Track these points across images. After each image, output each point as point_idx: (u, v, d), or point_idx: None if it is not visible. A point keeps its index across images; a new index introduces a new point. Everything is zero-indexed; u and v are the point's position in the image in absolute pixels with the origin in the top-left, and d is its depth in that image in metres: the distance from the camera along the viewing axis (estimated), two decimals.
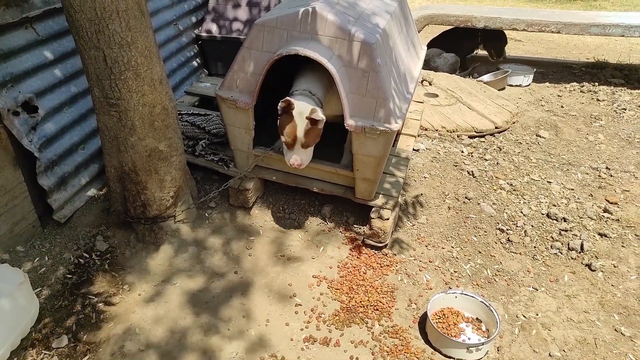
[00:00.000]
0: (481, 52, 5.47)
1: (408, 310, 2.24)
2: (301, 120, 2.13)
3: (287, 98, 2.14)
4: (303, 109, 2.14)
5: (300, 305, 2.20)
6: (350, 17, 2.21)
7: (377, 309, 2.22)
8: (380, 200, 2.51)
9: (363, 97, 2.16)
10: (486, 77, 4.88)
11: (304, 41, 2.14)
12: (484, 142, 3.58)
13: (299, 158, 2.23)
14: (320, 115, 2.12)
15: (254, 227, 2.58)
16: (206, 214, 2.59)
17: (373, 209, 2.51)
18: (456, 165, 3.19)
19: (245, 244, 2.47)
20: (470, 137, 3.61)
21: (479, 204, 2.84)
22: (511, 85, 4.84)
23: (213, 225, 2.53)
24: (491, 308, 2.10)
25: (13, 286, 1.80)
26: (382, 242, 2.50)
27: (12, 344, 1.83)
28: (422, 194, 2.89)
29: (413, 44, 2.90)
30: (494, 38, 5.17)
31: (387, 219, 2.46)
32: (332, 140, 2.59)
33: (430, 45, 5.18)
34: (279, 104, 2.13)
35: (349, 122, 2.17)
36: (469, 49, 5.43)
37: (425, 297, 2.31)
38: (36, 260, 2.25)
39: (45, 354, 1.88)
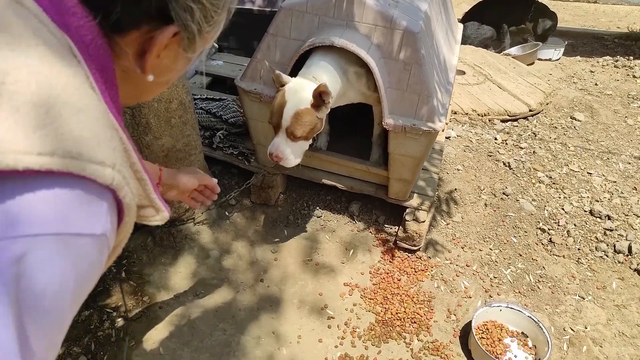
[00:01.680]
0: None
1: (447, 323, 2.09)
2: (293, 98, 1.68)
3: (279, 72, 1.76)
4: (299, 88, 1.70)
5: (333, 318, 2.05)
6: None
7: (415, 322, 2.07)
8: (415, 201, 2.32)
9: (404, 92, 1.93)
10: (514, 51, 4.58)
11: (338, 29, 1.89)
12: (517, 126, 3.34)
13: (280, 149, 1.72)
14: (329, 95, 1.65)
15: (278, 228, 2.41)
16: (227, 213, 2.41)
17: (407, 211, 2.32)
18: (491, 155, 2.97)
19: (270, 247, 2.30)
20: (503, 121, 3.37)
21: (517, 200, 2.65)
22: (540, 60, 4.55)
23: (235, 227, 2.36)
24: (540, 324, 1.95)
25: None
26: (416, 246, 2.32)
27: None
28: (456, 189, 2.69)
29: (450, 24, 2.63)
30: (549, 15, 4.67)
31: (423, 222, 2.27)
32: (352, 128, 2.38)
33: (469, 14, 4.79)
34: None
35: (388, 121, 1.94)
36: (516, 19, 4.87)
37: (464, 307, 2.15)
38: None
39: None
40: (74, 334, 1.87)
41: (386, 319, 2.07)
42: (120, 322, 1.93)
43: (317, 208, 2.50)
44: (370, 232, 2.43)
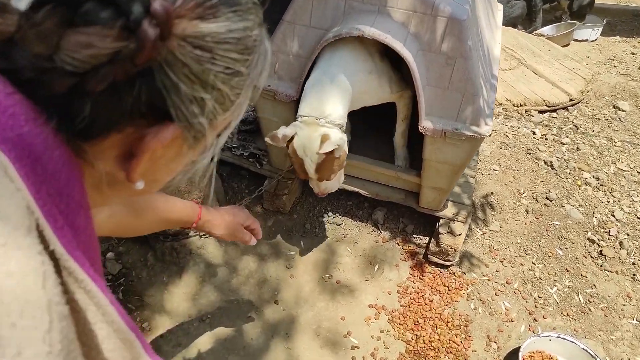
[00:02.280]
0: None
1: (487, 352, 1.84)
2: (307, 154, 1.57)
3: (275, 133, 1.57)
4: (307, 143, 1.55)
5: (358, 347, 1.80)
6: None
7: (451, 352, 1.82)
8: (450, 211, 2.04)
9: (444, 91, 1.63)
10: (547, 30, 4.19)
11: (368, 15, 1.58)
12: (556, 118, 3.02)
13: (321, 188, 1.71)
14: (333, 144, 1.50)
15: (294, 238, 2.15)
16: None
17: (441, 222, 2.04)
18: (530, 153, 2.67)
19: (285, 262, 2.05)
20: (541, 112, 3.05)
21: (563, 206, 2.35)
22: (576, 40, 4.17)
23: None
24: (598, 358, 1.69)
25: None
26: (450, 261, 2.05)
27: None
28: (492, 193, 2.40)
29: (490, 3, 2.29)
30: None
31: (459, 235, 2.00)
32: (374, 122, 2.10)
33: None
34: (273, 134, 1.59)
35: (425, 124, 1.65)
36: None
37: (506, 333, 1.90)
38: None
39: None
40: None
41: (418, 348, 1.82)
42: None
43: (337, 215, 2.23)
44: (397, 243, 2.16)
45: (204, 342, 1.75)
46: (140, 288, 1.90)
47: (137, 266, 1.97)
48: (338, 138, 1.52)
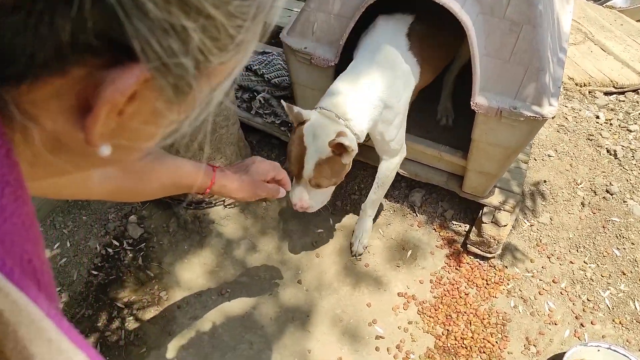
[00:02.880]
0: None
1: (525, 356, 1.68)
2: (314, 144, 1.35)
3: (292, 105, 1.39)
4: (320, 131, 1.35)
5: (383, 337, 1.67)
6: None
7: (484, 352, 1.67)
8: (496, 198, 1.84)
9: (505, 63, 1.42)
10: (620, 2, 3.78)
11: None
12: (624, 101, 2.71)
13: (304, 199, 1.44)
14: (350, 141, 1.30)
15: (322, 215, 2.01)
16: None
17: (485, 210, 1.85)
18: (591, 139, 2.40)
19: (311, 240, 1.92)
20: (607, 93, 2.74)
21: (625, 201, 2.11)
22: None
23: (271, 212, 1.98)
24: None
25: None
26: (492, 253, 1.88)
27: None
28: (545, 181, 2.18)
29: None
30: None
31: (505, 226, 1.81)
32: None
33: None
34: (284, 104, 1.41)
35: (479, 100, 1.45)
36: None
37: (547, 337, 1.72)
38: (56, 246, 1.82)
39: None
40: (80, 330, 1.60)
41: (448, 344, 1.68)
42: (131, 322, 1.64)
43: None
44: (434, 228, 1.99)
45: (221, 316, 1.67)
46: (160, 255, 1.83)
47: (159, 232, 1.89)
48: (354, 143, 1.35)
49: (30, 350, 0.28)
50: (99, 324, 1.62)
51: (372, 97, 1.41)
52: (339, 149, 1.34)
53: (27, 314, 0.28)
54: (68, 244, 1.83)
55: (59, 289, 1.69)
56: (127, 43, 0.27)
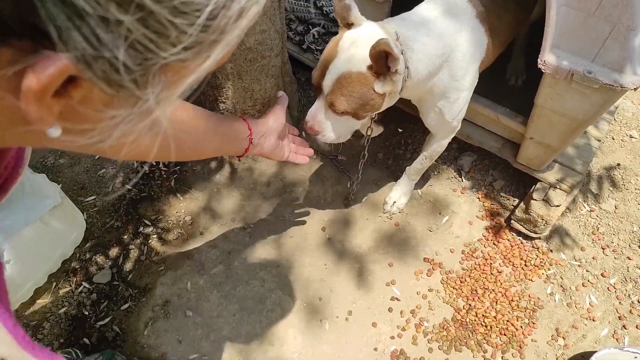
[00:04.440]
0: None
1: (550, 347, 1.55)
2: (347, 52, 1.09)
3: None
4: (363, 39, 1.08)
5: (398, 300, 1.60)
6: None
7: (505, 334, 1.56)
8: (553, 174, 1.65)
9: (587, 17, 1.19)
10: None
11: None
12: None
13: (317, 120, 1.19)
14: (399, 59, 1.03)
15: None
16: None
17: (538, 186, 1.67)
18: None
19: (344, 189, 1.84)
20: None
21: None
22: None
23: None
24: None
25: (43, 211, 1.43)
26: (537, 233, 1.71)
27: (48, 270, 1.54)
28: (618, 165, 1.92)
29: None
30: None
31: (557, 206, 1.62)
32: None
33: None
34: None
35: (548, 58, 1.25)
36: None
37: (580, 332, 1.57)
38: (96, 157, 1.88)
39: (85, 287, 1.58)
40: (107, 239, 1.68)
41: (467, 320, 1.58)
42: (155, 240, 1.68)
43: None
44: (478, 197, 1.84)
45: (239, 250, 1.67)
46: (192, 180, 1.83)
47: None
48: (400, 77, 1.12)
49: None
50: (125, 237, 1.68)
51: (440, 44, 1.18)
52: (380, 66, 1.06)
53: None
54: (64, 149, 1.89)
55: (94, 197, 1.76)
56: (45, 29, 0.26)
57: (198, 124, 0.90)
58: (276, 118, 1.09)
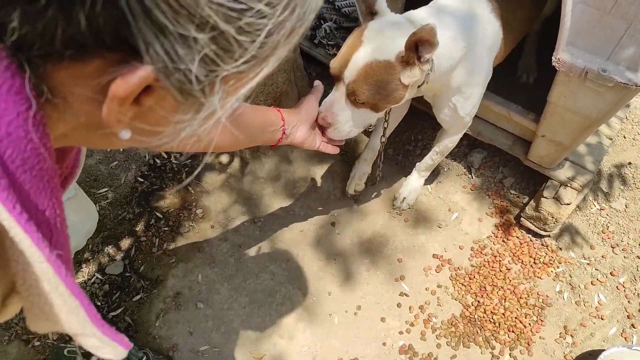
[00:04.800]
0: None
1: (558, 344, 1.55)
2: (373, 41, 1.07)
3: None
4: (390, 28, 1.09)
5: (407, 295, 1.61)
6: None
7: (513, 331, 1.56)
8: (564, 172, 1.64)
9: (604, 15, 1.19)
10: None
11: None
12: None
13: (332, 110, 1.14)
14: (430, 36, 0.98)
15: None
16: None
17: (548, 184, 1.67)
18: None
19: (353, 184, 1.85)
20: None
21: None
22: None
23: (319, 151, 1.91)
24: None
25: None
26: (547, 231, 1.71)
27: None
28: (630, 164, 1.91)
29: None
30: None
31: (568, 204, 1.62)
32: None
33: None
34: None
35: (562, 56, 1.25)
36: None
37: (589, 330, 1.58)
38: (109, 150, 1.89)
39: (97, 277, 1.60)
40: (119, 231, 1.70)
41: (476, 316, 1.59)
42: (166, 232, 1.70)
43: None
44: (488, 194, 1.84)
45: (250, 243, 1.68)
46: (205, 173, 1.85)
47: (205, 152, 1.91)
48: (436, 47, 1.04)
49: (30, 291, 0.36)
50: (137, 229, 1.70)
51: (460, 38, 1.18)
52: (411, 56, 1.03)
53: (30, 257, 0.34)
54: (121, 149, 1.90)
55: (106, 189, 1.78)
56: (135, 44, 0.31)
57: (234, 117, 0.92)
58: (309, 108, 1.11)
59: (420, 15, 1.18)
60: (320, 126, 1.19)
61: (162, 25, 0.30)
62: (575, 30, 1.22)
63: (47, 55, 0.31)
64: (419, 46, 1.03)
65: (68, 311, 0.39)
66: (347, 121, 1.17)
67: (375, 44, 1.07)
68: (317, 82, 1.17)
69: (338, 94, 1.15)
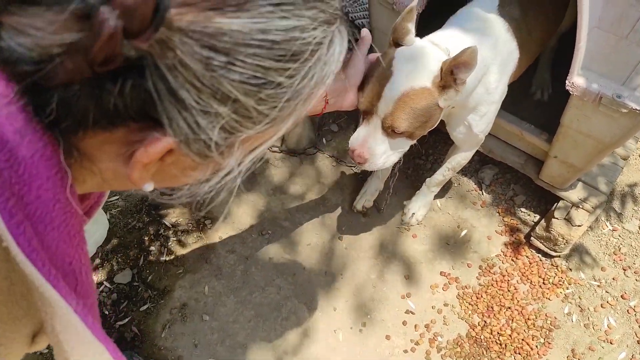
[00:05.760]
0: None
1: None
2: (405, 69, 1.04)
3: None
4: (421, 54, 1.07)
5: (413, 313, 1.61)
6: None
7: (520, 353, 1.55)
8: (576, 193, 1.62)
9: (620, 40, 1.17)
10: None
11: None
12: None
13: (368, 145, 1.11)
14: (470, 59, 0.98)
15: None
16: (324, 141, 1.96)
17: (560, 204, 1.65)
18: None
19: (362, 198, 1.84)
20: None
21: None
22: None
23: (327, 162, 1.91)
24: None
25: None
26: (557, 252, 1.69)
27: None
28: None
29: None
30: None
31: (579, 226, 1.60)
32: None
33: None
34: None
35: (577, 81, 1.23)
36: None
37: (598, 354, 1.56)
38: None
39: (106, 286, 1.62)
40: (128, 240, 1.71)
41: (482, 337, 1.57)
42: (174, 242, 1.71)
43: (437, 161, 1.92)
44: (498, 212, 1.82)
45: (257, 256, 1.69)
46: None
47: None
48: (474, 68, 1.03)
49: (61, 336, 0.38)
50: (146, 238, 1.72)
51: (481, 58, 1.09)
52: (449, 79, 1.03)
53: (58, 309, 0.37)
54: None
55: (116, 197, 1.80)
56: (159, 118, 0.34)
57: None
58: (355, 70, 1.04)
59: (444, 37, 1.17)
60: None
61: (186, 102, 0.33)
62: (591, 54, 1.20)
63: (77, 126, 0.35)
64: (453, 69, 1.02)
65: (94, 354, 0.42)
66: (383, 153, 1.14)
67: (408, 71, 1.05)
68: (364, 31, 1.07)
69: (371, 127, 1.11)
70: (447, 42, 1.13)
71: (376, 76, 1.07)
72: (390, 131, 1.10)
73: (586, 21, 1.14)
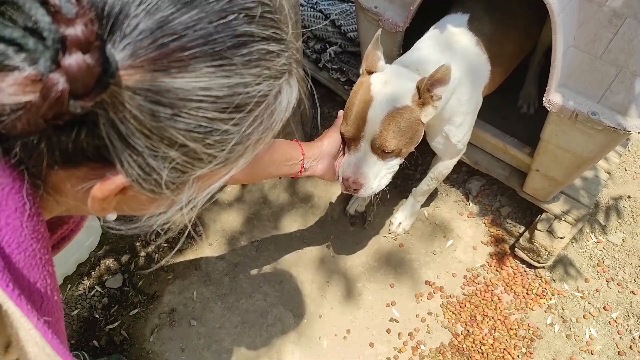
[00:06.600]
0: None
1: None
2: (384, 91, 1.12)
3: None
4: (395, 78, 1.14)
5: (397, 321, 1.64)
6: None
7: None
8: (558, 206, 1.65)
9: (594, 60, 1.20)
10: None
11: None
12: None
13: (361, 171, 1.16)
14: (444, 76, 1.06)
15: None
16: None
17: (542, 217, 1.68)
18: None
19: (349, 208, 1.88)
20: None
21: None
22: None
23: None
24: None
25: None
26: (540, 263, 1.71)
27: (63, 272, 1.63)
28: (629, 197, 1.91)
29: None
30: None
31: (561, 238, 1.63)
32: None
33: None
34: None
35: (553, 98, 1.26)
36: None
37: None
38: None
39: (97, 290, 1.66)
40: (120, 245, 1.75)
41: (464, 346, 1.60)
42: (165, 248, 1.75)
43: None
44: (484, 222, 1.85)
45: (245, 263, 1.72)
46: None
47: None
48: (449, 84, 1.10)
49: (25, 349, 0.41)
50: (137, 244, 1.75)
51: (454, 73, 1.17)
52: (427, 95, 1.10)
53: (19, 325, 0.40)
54: None
55: None
56: (112, 161, 0.39)
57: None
58: (332, 141, 1.15)
59: (412, 58, 1.22)
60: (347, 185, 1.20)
61: (137, 147, 0.38)
62: (567, 72, 1.24)
63: (40, 165, 0.40)
64: (429, 87, 1.09)
65: None
66: (376, 175, 1.19)
67: (387, 94, 1.12)
68: (340, 112, 1.20)
69: (360, 153, 1.16)
70: (416, 61, 1.18)
71: (357, 104, 1.14)
72: (380, 152, 1.15)
73: (561, 40, 1.17)
